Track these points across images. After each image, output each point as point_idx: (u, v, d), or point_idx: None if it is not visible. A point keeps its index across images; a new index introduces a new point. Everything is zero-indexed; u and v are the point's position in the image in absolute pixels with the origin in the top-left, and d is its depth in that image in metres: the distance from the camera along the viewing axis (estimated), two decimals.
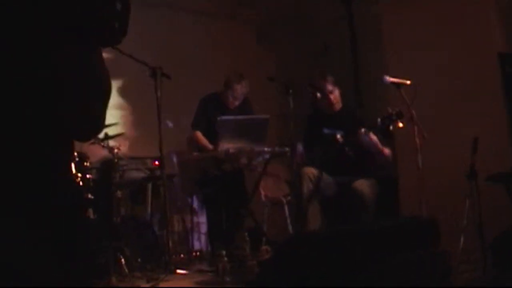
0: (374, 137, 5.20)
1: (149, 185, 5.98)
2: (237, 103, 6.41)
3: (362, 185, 5.23)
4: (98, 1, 1.57)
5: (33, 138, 1.49)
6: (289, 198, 6.39)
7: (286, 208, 6.49)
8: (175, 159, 6.50)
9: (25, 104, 1.46)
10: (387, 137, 5.37)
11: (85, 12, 1.53)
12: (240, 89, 6.32)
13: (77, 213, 1.66)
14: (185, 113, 7.03)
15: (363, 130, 5.16)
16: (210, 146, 6.01)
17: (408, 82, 5.08)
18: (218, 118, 5.74)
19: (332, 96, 5.65)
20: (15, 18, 1.44)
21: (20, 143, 1.47)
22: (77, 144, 1.70)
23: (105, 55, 1.71)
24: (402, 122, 4.95)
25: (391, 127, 5.04)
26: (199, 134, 6.31)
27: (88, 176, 5.13)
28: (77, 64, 1.53)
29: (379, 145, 5.25)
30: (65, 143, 1.60)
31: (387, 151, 5.33)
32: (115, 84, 6.53)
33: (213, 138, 5.96)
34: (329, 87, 5.64)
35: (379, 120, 5.09)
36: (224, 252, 5.44)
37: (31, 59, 1.46)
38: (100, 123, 1.62)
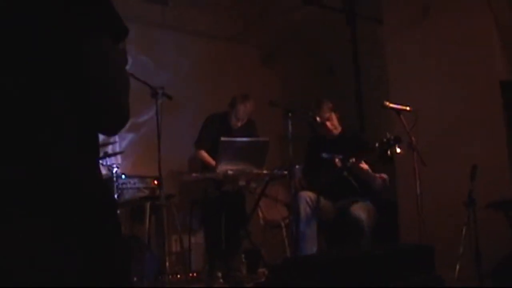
0: (365, 166, 5.20)
1: (148, 205, 5.97)
2: (239, 123, 6.43)
3: (360, 210, 5.20)
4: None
5: (58, 130, 1.49)
6: (287, 221, 6.37)
7: (284, 231, 6.47)
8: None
9: (52, 95, 1.48)
10: (385, 162, 5.36)
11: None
12: (243, 109, 6.35)
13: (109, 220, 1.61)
14: (188, 134, 7.05)
15: (352, 160, 5.17)
16: (214, 163, 6.01)
17: (408, 108, 5.08)
18: (221, 139, 5.74)
19: (328, 123, 5.63)
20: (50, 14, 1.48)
21: (44, 136, 1.47)
22: None
23: None
24: (400, 148, 4.92)
25: (389, 152, 5.02)
26: (203, 152, 6.34)
27: None
28: (102, 54, 1.55)
29: (370, 173, 5.24)
30: (92, 137, 1.60)
31: (379, 181, 5.31)
32: None
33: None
34: (325, 114, 5.62)
35: (377, 144, 5.08)
36: (221, 274, 5.43)
37: (60, 51, 1.49)
38: (127, 114, 1.62)
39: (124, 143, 6.80)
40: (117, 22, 1.61)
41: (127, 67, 1.70)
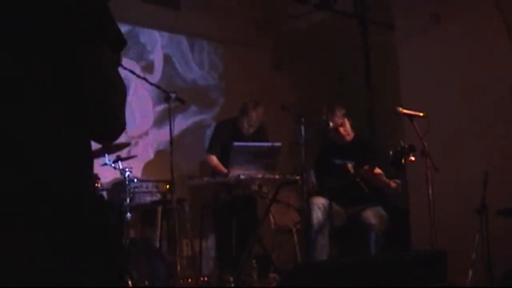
0: (378, 171, 5.21)
1: (159, 209, 5.98)
2: (252, 130, 6.44)
3: (371, 217, 5.20)
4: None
5: (57, 131, 1.49)
6: (298, 226, 6.36)
7: (295, 236, 6.46)
8: None
9: (52, 94, 1.48)
10: (398, 169, 5.36)
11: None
12: (256, 116, 6.36)
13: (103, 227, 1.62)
14: (200, 138, 7.06)
15: (366, 167, 5.17)
16: (225, 170, 6.01)
17: (421, 114, 5.07)
18: (233, 144, 5.75)
19: (342, 129, 5.62)
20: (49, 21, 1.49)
21: (41, 144, 1.47)
22: None
23: None
24: (413, 156, 4.92)
25: (403, 161, 5.01)
26: (213, 158, 6.35)
27: None
28: (101, 55, 1.55)
29: (384, 179, 5.24)
30: (87, 142, 1.60)
31: (393, 184, 5.31)
32: (129, 107, 6.58)
33: (227, 162, 5.97)
34: (338, 120, 5.62)
35: (391, 153, 5.06)
36: (231, 278, 5.43)
37: (60, 51, 1.49)
38: (123, 122, 1.62)
39: (137, 147, 6.80)
40: (116, 30, 1.61)
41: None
